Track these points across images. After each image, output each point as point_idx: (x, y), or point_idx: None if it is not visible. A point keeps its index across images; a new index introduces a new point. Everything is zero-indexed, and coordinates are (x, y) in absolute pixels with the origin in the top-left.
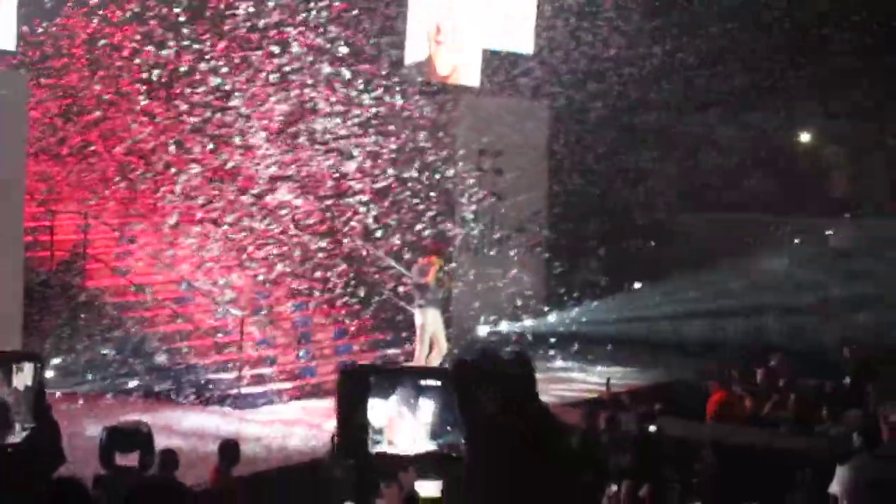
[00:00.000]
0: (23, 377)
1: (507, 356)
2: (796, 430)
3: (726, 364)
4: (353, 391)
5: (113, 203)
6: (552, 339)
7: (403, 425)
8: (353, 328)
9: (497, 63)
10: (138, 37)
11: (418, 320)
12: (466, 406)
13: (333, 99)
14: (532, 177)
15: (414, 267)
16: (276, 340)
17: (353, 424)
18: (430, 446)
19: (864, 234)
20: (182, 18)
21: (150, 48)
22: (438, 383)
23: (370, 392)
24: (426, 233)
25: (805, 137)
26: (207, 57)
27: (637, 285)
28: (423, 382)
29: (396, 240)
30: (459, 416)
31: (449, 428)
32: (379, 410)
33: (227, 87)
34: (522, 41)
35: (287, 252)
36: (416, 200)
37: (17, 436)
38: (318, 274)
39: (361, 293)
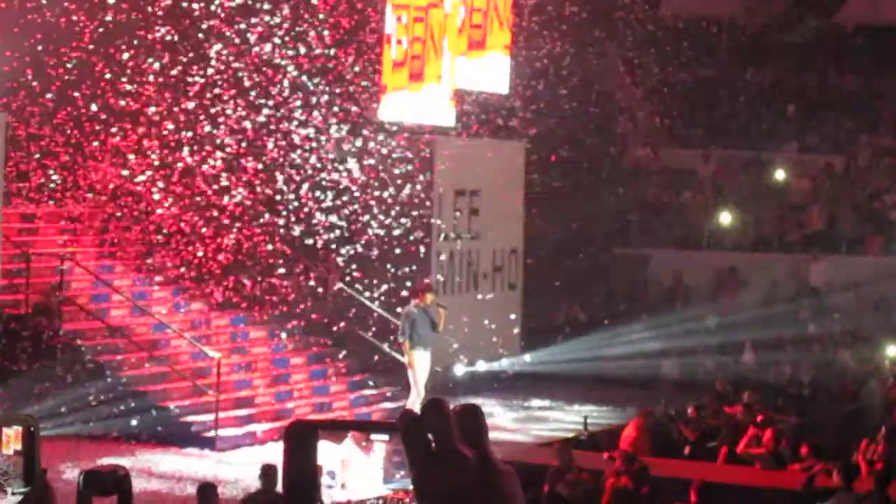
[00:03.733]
0: (13, 440)
1: (456, 406)
2: (772, 466)
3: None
4: (300, 445)
5: (91, 246)
6: (530, 378)
7: (356, 468)
8: (330, 369)
9: (472, 102)
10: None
11: (417, 361)
12: (409, 455)
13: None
14: (508, 215)
15: (409, 309)
16: (254, 382)
17: (301, 479)
18: (383, 490)
19: (839, 271)
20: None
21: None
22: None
23: (317, 447)
24: (402, 272)
25: (780, 173)
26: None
27: (612, 322)
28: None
29: (376, 281)
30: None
31: (402, 473)
32: (332, 453)
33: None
34: (498, 82)
35: (264, 293)
36: (393, 241)
37: (6, 502)
38: (296, 315)
39: (339, 332)
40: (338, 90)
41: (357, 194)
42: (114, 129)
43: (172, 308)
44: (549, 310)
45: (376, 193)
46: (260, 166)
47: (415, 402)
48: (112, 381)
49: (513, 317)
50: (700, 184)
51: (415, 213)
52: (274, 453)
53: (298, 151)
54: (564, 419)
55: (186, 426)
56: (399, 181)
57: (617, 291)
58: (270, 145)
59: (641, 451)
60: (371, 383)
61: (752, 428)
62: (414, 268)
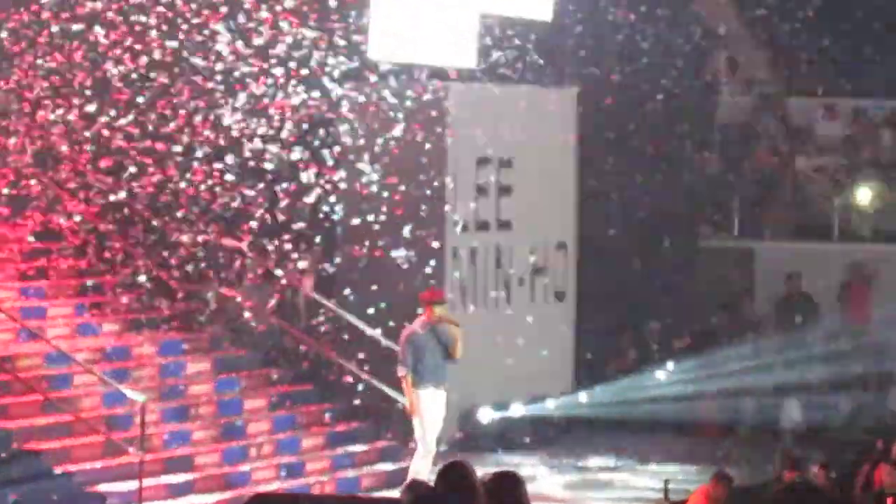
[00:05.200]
0: None
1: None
2: None
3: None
4: None
5: None
6: (587, 426)
7: None
8: (302, 416)
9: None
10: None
11: (425, 404)
12: None
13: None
14: (554, 194)
15: (412, 330)
16: (193, 435)
17: None
18: None
19: None
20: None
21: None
22: None
23: None
24: (403, 280)
25: None
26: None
27: (702, 345)
28: None
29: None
30: None
31: None
32: None
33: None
34: (538, 4)
35: (205, 307)
36: (389, 236)
37: None
38: (253, 340)
39: (315, 363)
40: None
41: (333, 167)
42: None
43: (76, 330)
44: (613, 328)
45: (361, 167)
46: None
47: (422, 465)
48: None
49: (562, 339)
50: (827, 147)
51: (418, 193)
52: None
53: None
54: (636, 483)
55: (97, 499)
56: (394, 148)
57: (708, 301)
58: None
59: None
60: (360, 436)
61: None
62: (420, 273)
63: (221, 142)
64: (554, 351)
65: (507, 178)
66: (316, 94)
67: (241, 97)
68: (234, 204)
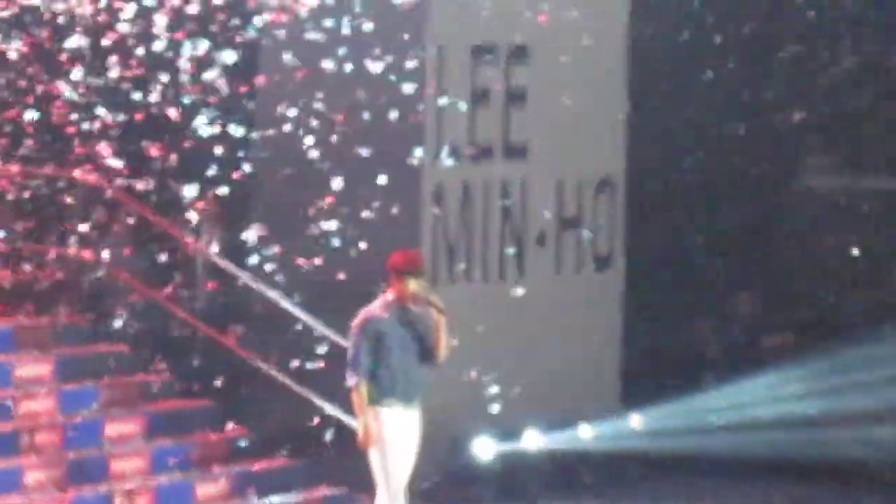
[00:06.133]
0: None
1: None
2: None
3: None
4: None
5: None
6: (642, 463)
7: None
8: (196, 448)
9: None
10: None
11: (390, 429)
12: None
13: None
14: (593, 104)
15: (371, 316)
16: (27, 476)
17: None
18: None
19: None
20: None
21: None
22: None
23: None
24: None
25: None
26: None
27: (816, 342)
28: None
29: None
30: None
31: None
32: None
33: None
34: None
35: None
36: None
37: None
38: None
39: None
40: None
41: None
42: None
43: None
44: (682, 313)
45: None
46: None
47: None
48: None
49: (603, 328)
50: None
51: (380, 101)
52: None
53: None
54: None
55: None
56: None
57: (827, 273)
58: None
59: None
60: (288, 479)
61: None
62: (380, 228)
63: None
64: (590, 348)
65: (519, 78)
66: None
67: None
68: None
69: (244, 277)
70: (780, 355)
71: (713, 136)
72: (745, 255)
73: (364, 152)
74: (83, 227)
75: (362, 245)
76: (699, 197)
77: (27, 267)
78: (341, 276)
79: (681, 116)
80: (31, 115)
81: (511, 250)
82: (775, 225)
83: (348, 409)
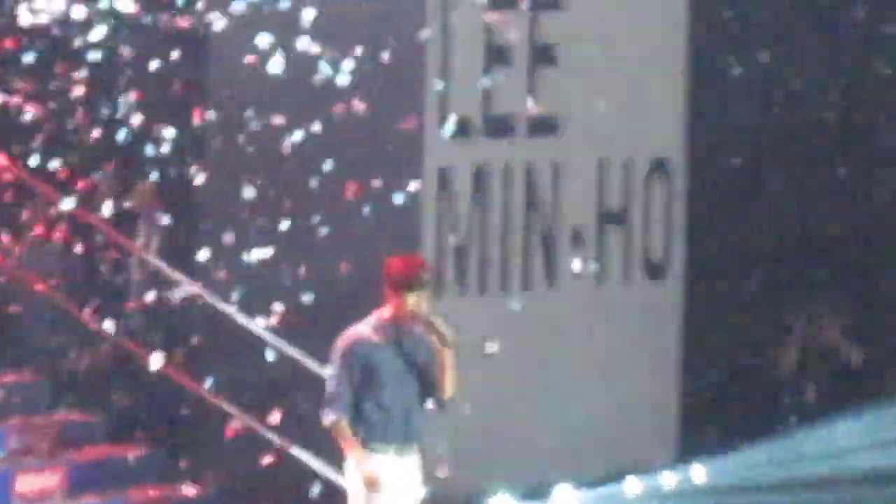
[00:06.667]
0: None
1: None
2: None
3: None
4: None
5: None
6: None
7: None
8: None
9: None
10: None
11: (374, 481)
12: None
13: None
14: (644, 70)
15: (357, 338)
16: None
17: None
18: None
19: None
20: None
21: None
22: None
23: None
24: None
25: None
26: None
27: None
28: None
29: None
30: None
31: None
32: None
33: None
34: None
35: None
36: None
37: None
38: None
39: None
40: None
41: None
42: None
43: None
44: (759, 330)
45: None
46: None
47: None
48: None
49: (657, 353)
50: None
51: (370, 66)
52: None
53: None
54: None
55: None
56: None
57: None
58: None
59: None
60: None
61: None
62: (371, 223)
63: None
64: (641, 380)
65: (550, 34)
66: None
67: None
68: None
69: (192, 288)
70: (884, 389)
71: (801, 108)
72: (838, 263)
73: (347, 123)
74: None
75: (345, 248)
76: (781, 186)
77: None
78: (318, 286)
79: (758, 79)
80: None
81: (539, 256)
82: (872, 226)
83: (332, 459)
